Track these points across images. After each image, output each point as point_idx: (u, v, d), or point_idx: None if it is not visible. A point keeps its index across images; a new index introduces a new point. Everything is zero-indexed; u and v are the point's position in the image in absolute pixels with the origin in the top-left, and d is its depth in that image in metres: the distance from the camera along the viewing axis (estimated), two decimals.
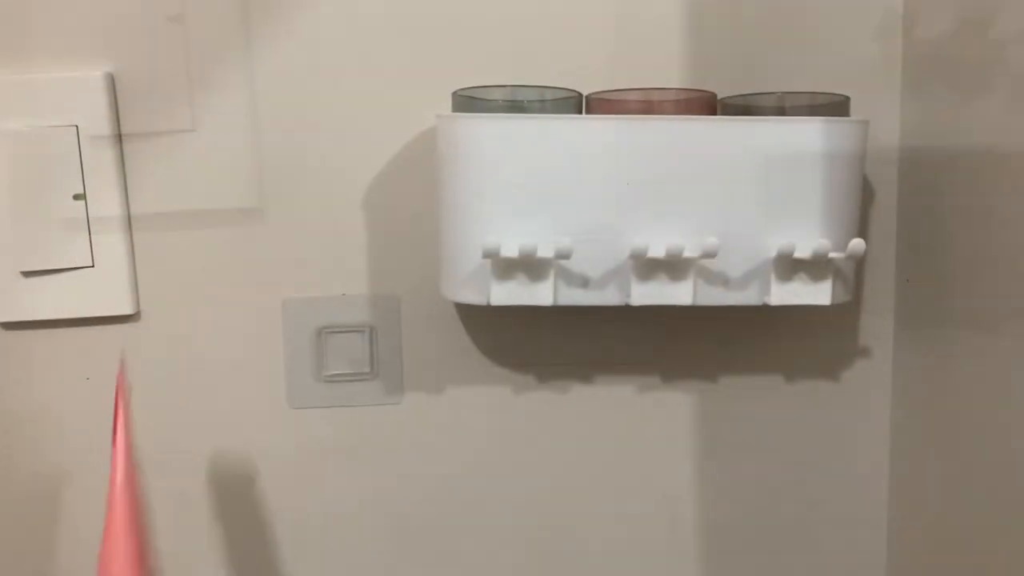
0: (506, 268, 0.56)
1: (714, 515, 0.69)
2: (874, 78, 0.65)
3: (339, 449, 0.66)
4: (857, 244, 0.55)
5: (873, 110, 0.64)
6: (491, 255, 0.54)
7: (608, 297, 0.57)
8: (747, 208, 0.57)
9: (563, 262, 0.56)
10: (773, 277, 0.57)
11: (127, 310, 0.63)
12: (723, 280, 0.58)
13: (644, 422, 0.68)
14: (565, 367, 0.67)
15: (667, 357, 0.68)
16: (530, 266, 0.56)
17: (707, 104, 0.58)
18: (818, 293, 0.58)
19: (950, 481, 0.62)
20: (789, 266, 0.57)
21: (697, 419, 0.68)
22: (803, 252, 0.55)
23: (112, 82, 0.61)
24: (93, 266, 0.62)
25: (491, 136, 0.55)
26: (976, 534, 0.59)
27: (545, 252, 0.54)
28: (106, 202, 0.62)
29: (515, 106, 0.57)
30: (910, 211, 0.66)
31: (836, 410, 0.69)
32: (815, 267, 0.57)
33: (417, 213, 0.64)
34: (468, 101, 0.57)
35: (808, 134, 0.56)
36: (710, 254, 0.54)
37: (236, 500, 0.66)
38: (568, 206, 0.56)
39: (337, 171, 0.63)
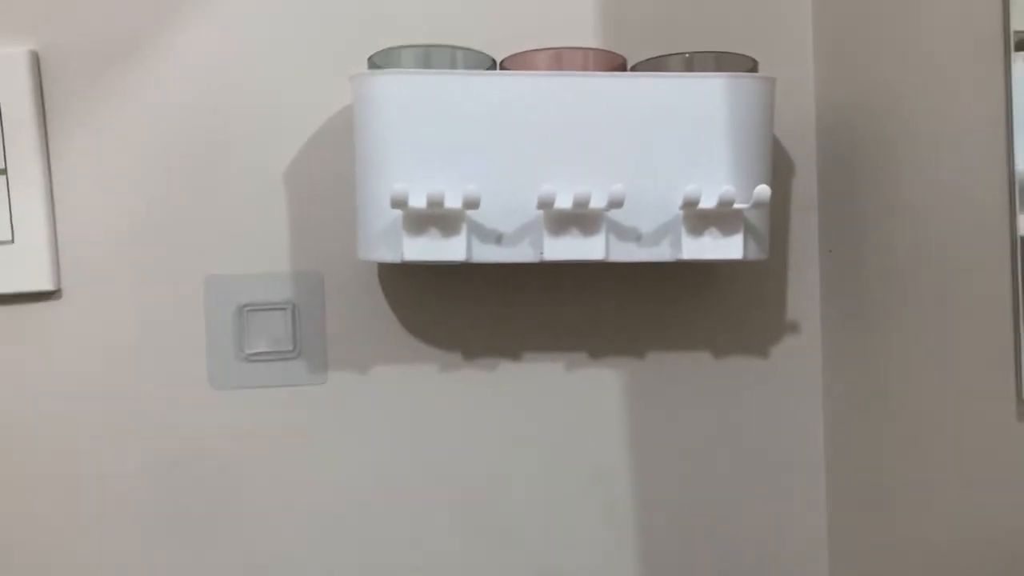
0: (417, 222, 0.56)
1: (647, 489, 0.68)
2: (788, 48, 0.67)
3: (262, 429, 0.65)
4: (761, 190, 0.55)
5: (789, 81, 0.65)
6: (399, 204, 0.54)
7: (522, 254, 0.58)
8: (657, 164, 0.57)
9: (475, 217, 0.56)
10: (684, 231, 0.57)
11: (48, 286, 0.62)
12: (635, 235, 0.58)
13: (574, 398, 0.67)
14: (491, 344, 0.66)
15: (595, 335, 0.67)
16: (441, 220, 0.56)
17: (617, 66, 0.60)
18: (729, 247, 0.58)
19: (884, 447, 0.61)
20: (699, 220, 0.57)
21: (627, 395, 0.68)
22: (709, 201, 0.56)
23: (36, 59, 0.62)
24: (13, 241, 0.62)
25: (401, 91, 0.56)
26: (911, 496, 0.58)
27: (453, 201, 0.54)
28: (28, 178, 0.62)
29: (427, 65, 0.58)
30: (828, 182, 0.66)
31: (766, 383, 0.68)
32: (725, 220, 0.58)
33: (339, 189, 0.64)
34: (382, 62, 0.58)
35: (714, 90, 0.57)
36: (616, 203, 0.55)
37: (157, 484, 0.64)
38: (479, 162, 0.56)
39: (258, 147, 0.64)
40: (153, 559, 0.64)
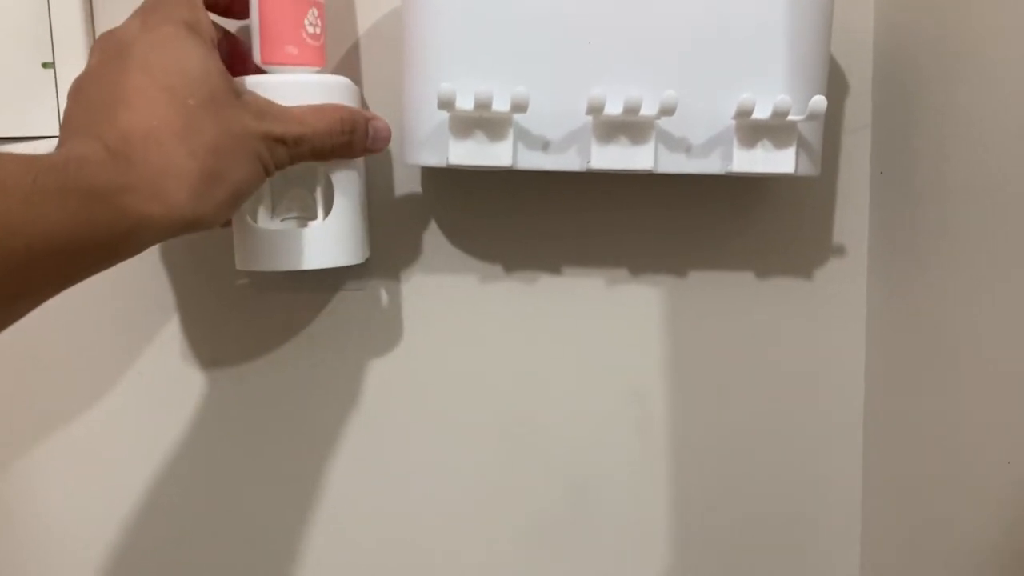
0: (463, 126, 0.55)
1: (682, 408, 0.68)
2: None
3: (302, 334, 0.66)
4: (817, 100, 0.54)
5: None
6: (446, 105, 0.53)
7: (568, 162, 0.57)
8: (709, 73, 0.56)
9: (522, 122, 0.56)
10: (735, 142, 0.56)
11: None
12: (685, 147, 0.57)
13: (613, 314, 0.67)
14: (532, 257, 0.66)
15: (637, 252, 0.67)
16: (488, 124, 0.55)
17: None
18: (781, 160, 0.57)
19: (924, 375, 0.60)
20: (751, 131, 0.56)
21: (666, 313, 0.67)
22: (763, 111, 0.55)
23: None
24: (58, 135, 0.62)
25: None
26: (950, 429, 0.58)
27: (501, 104, 0.54)
28: (75, 72, 0.61)
29: None
30: (884, 103, 0.65)
31: (808, 306, 0.68)
32: (778, 133, 0.56)
33: (384, 94, 0.63)
34: None
35: None
36: (668, 109, 0.54)
37: (193, 385, 0.65)
38: (528, 65, 0.55)
39: None
40: (194, 454, 0.66)
